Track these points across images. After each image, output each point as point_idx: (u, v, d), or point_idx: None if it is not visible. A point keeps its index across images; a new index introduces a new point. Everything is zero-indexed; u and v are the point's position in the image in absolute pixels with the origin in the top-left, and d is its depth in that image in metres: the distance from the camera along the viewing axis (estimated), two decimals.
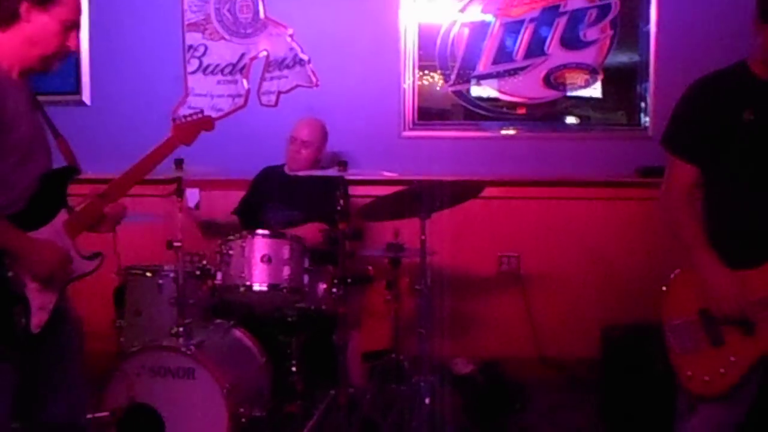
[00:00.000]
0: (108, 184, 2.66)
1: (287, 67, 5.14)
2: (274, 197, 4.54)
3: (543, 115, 5.16)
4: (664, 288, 2.67)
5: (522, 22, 5.07)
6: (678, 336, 2.57)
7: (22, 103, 2.43)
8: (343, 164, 3.87)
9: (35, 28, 2.39)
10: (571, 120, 5.19)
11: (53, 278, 2.41)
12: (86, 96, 5.22)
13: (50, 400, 2.62)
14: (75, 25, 2.47)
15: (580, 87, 5.13)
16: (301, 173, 4.43)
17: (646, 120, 5.06)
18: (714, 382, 2.49)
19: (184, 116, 2.97)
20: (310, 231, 4.22)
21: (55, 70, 2.55)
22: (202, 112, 3.05)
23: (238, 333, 3.97)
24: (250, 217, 4.48)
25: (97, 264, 2.59)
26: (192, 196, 5.05)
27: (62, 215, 2.50)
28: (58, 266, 2.42)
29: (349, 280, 3.88)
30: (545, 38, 5.07)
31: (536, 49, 5.08)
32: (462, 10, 5.09)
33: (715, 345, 2.51)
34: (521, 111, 5.16)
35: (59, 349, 2.60)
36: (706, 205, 2.62)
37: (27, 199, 2.42)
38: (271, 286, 3.82)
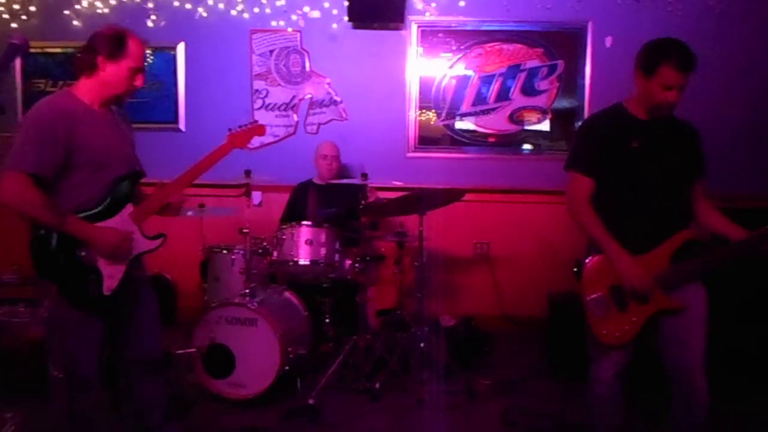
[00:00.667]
0: (171, 180, 2.59)
1: (325, 106, 5.17)
2: (313, 202, 4.54)
3: (507, 143, 5.15)
4: (575, 270, 2.68)
5: (494, 75, 5.08)
6: (595, 306, 2.59)
7: (99, 127, 2.41)
8: (365, 175, 3.91)
9: (109, 75, 2.38)
10: (527, 147, 5.17)
11: (115, 254, 2.38)
12: (182, 125, 5.23)
13: (132, 342, 2.60)
14: (140, 71, 2.44)
15: (534, 123, 5.12)
16: (333, 182, 4.45)
17: None
18: (622, 336, 2.54)
19: (240, 125, 2.85)
20: None
21: (126, 102, 2.55)
22: (256, 121, 2.94)
23: (288, 294, 4.00)
24: (294, 219, 4.42)
25: (160, 243, 2.55)
26: (256, 197, 5.09)
27: (129, 208, 2.46)
28: (117, 246, 2.37)
29: (367, 258, 3.95)
30: (510, 87, 5.08)
31: (503, 95, 5.08)
32: (450, 67, 5.10)
33: (621, 311, 2.54)
34: (492, 140, 5.15)
35: (136, 306, 2.58)
36: (599, 209, 2.59)
37: (103, 197, 2.40)
38: (312, 262, 3.87)
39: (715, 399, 2.51)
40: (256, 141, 5.16)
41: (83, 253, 2.33)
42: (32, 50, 5.16)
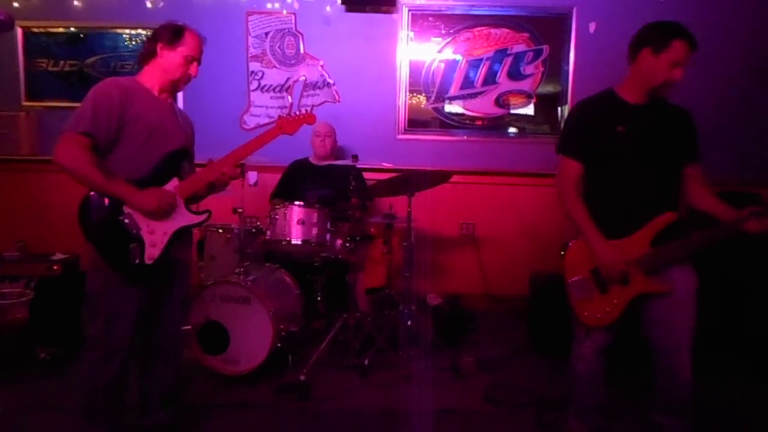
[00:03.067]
0: (218, 159, 2.56)
1: (318, 88, 4.97)
2: (308, 181, 4.37)
3: (494, 126, 4.96)
4: (562, 253, 2.57)
5: (481, 59, 4.88)
6: (576, 289, 2.50)
7: (155, 106, 2.43)
8: (355, 157, 3.74)
9: (166, 61, 2.44)
10: (513, 130, 4.98)
11: (156, 212, 2.35)
12: (180, 105, 4.93)
13: (155, 321, 2.56)
14: (195, 60, 2.48)
15: (520, 107, 4.93)
16: (325, 163, 4.28)
17: None
18: (604, 318, 2.45)
19: (289, 113, 2.78)
20: None
21: (182, 90, 2.57)
22: (310, 109, 2.83)
23: (280, 273, 3.85)
24: (287, 196, 4.27)
25: (203, 218, 2.53)
26: (252, 176, 4.93)
27: (174, 181, 2.44)
28: (157, 202, 2.34)
29: (357, 238, 3.78)
30: (497, 72, 4.89)
31: (490, 79, 4.89)
32: (439, 51, 4.89)
33: (603, 293, 2.45)
34: (480, 123, 4.96)
35: (169, 284, 2.56)
36: (587, 193, 2.50)
37: (150, 170, 2.39)
38: (303, 241, 3.72)
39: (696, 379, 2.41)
40: (251, 122, 5.06)
41: (126, 220, 2.31)
42: (34, 30, 4.95)
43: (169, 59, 2.42)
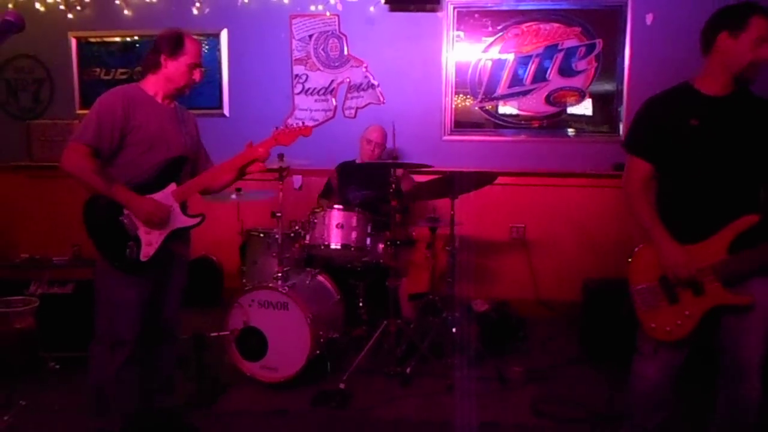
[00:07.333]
0: (216, 165, 2.74)
1: (363, 89, 4.89)
2: (353, 182, 4.27)
3: (550, 126, 4.74)
4: (629, 260, 2.31)
5: (530, 56, 4.69)
6: (642, 297, 2.25)
7: (157, 114, 2.55)
8: (395, 158, 3.63)
9: (170, 71, 2.55)
10: (571, 131, 4.75)
11: (150, 221, 2.48)
12: (226, 110, 5.02)
13: (153, 311, 2.64)
14: (197, 66, 2.59)
15: (573, 105, 4.70)
16: (362, 163, 4.19)
17: (621, 131, 4.65)
18: (673, 332, 2.19)
19: (287, 125, 2.81)
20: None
21: (187, 95, 2.66)
22: (303, 123, 2.89)
23: (320, 278, 3.76)
24: (331, 196, 4.23)
25: (198, 221, 2.63)
26: (297, 180, 4.90)
27: (172, 186, 2.57)
28: (152, 212, 2.47)
29: (398, 242, 3.65)
30: (547, 68, 4.68)
31: (540, 76, 4.69)
32: (487, 48, 4.73)
33: (672, 303, 2.19)
34: (535, 124, 4.76)
35: (168, 276, 2.67)
36: (659, 194, 2.27)
37: (151, 175, 2.53)
38: (343, 246, 3.63)
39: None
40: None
41: (125, 220, 2.46)
42: (88, 40, 5.09)
43: (174, 69, 2.54)
